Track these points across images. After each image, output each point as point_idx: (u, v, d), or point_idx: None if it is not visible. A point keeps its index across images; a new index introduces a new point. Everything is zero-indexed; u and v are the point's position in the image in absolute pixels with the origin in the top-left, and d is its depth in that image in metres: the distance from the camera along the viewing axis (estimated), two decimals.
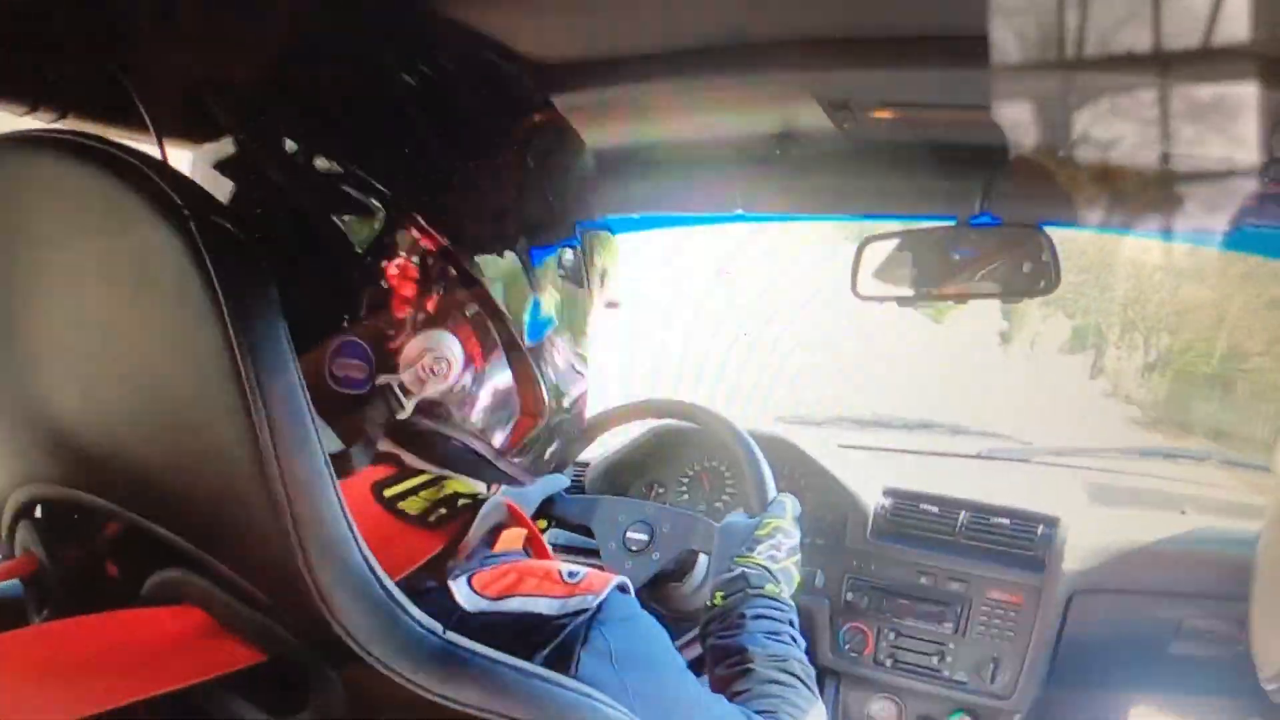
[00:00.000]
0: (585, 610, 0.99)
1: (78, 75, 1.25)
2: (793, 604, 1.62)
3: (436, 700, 0.86)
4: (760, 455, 1.97)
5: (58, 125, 1.28)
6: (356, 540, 0.86)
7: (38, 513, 1.01)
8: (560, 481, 2.30)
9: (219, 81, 1.11)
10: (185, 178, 0.88)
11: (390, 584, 0.87)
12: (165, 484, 0.89)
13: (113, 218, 0.83)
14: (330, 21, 1.14)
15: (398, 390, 1.04)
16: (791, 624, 1.56)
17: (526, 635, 0.95)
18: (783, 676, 1.40)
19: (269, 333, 0.82)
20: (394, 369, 1.04)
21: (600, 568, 1.98)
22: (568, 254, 1.19)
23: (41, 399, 0.95)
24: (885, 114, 1.60)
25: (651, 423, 2.59)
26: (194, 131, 1.13)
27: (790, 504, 1.87)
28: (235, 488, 0.83)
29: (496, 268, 1.09)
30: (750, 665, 1.42)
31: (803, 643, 1.51)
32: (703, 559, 2.09)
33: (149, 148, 1.10)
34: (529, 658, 0.92)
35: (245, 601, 0.87)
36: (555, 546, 2.24)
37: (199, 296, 0.79)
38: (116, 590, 0.99)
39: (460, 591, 0.98)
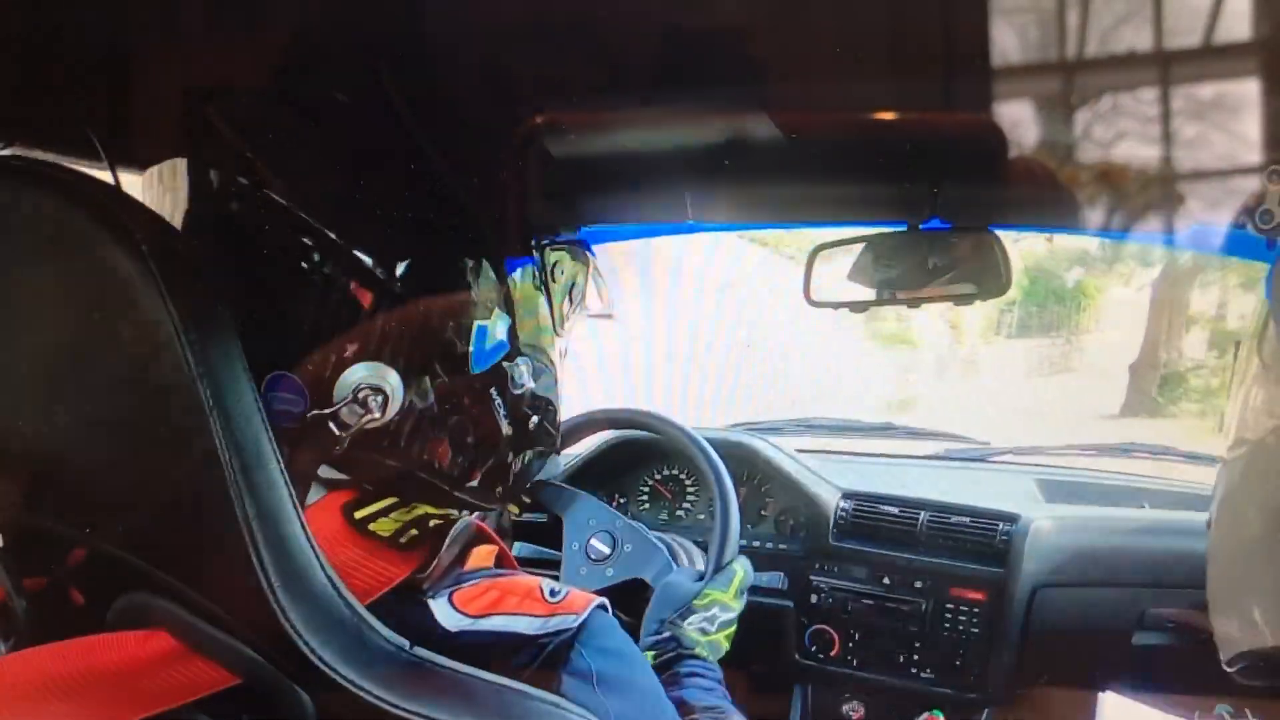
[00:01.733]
0: (566, 630, 1.00)
1: (26, 104, 1.25)
2: (719, 669, 1.67)
3: (406, 716, 0.86)
4: (735, 510, 1.97)
5: (6, 152, 1.27)
6: (319, 559, 0.86)
7: (0, 541, 1.01)
8: (554, 466, 2.30)
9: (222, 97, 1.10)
10: (138, 203, 0.89)
11: (355, 602, 0.88)
12: (127, 509, 0.89)
13: (67, 244, 0.83)
14: (301, 41, 1.14)
15: (331, 425, 0.99)
16: (721, 683, 1.61)
17: (508, 655, 0.97)
18: None
19: (225, 356, 0.83)
20: (326, 403, 1.00)
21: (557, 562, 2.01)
22: (529, 270, 1.18)
23: (1, 426, 0.94)
24: (833, 122, 1.61)
25: (609, 433, 2.59)
26: (142, 156, 1.12)
27: (741, 573, 1.87)
28: (197, 510, 0.84)
29: (441, 297, 1.06)
30: (692, 717, 1.44)
31: (730, 701, 1.56)
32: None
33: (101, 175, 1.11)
34: (511, 678, 0.92)
35: (212, 623, 0.87)
36: (519, 559, 2.24)
37: (154, 321, 0.80)
38: (82, 616, 0.98)
39: (440, 610, 0.98)
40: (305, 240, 0.99)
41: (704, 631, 1.72)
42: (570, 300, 1.26)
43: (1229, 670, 1.61)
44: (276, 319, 1.00)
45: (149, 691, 0.85)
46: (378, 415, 1.01)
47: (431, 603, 1.00)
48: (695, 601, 1.77)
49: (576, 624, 1.01)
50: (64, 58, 1.22)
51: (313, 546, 0.86)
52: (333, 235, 0.99)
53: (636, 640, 1.41)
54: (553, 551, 2.19)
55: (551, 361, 1.23)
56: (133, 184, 1.10)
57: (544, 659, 0.98)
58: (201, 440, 0.81)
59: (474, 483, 1.15)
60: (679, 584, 1.84)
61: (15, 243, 0.87)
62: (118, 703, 0.84)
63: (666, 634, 1.68)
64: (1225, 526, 1.52)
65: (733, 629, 1.80)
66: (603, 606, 1.07)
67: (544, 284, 1.21)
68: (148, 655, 0.87)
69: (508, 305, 1.13)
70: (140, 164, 1.11)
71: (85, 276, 0.84)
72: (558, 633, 1.00)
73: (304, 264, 0.99)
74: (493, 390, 1.12)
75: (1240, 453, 1.40)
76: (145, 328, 0.80)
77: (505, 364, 1.13)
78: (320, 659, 0.84)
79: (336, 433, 1.00)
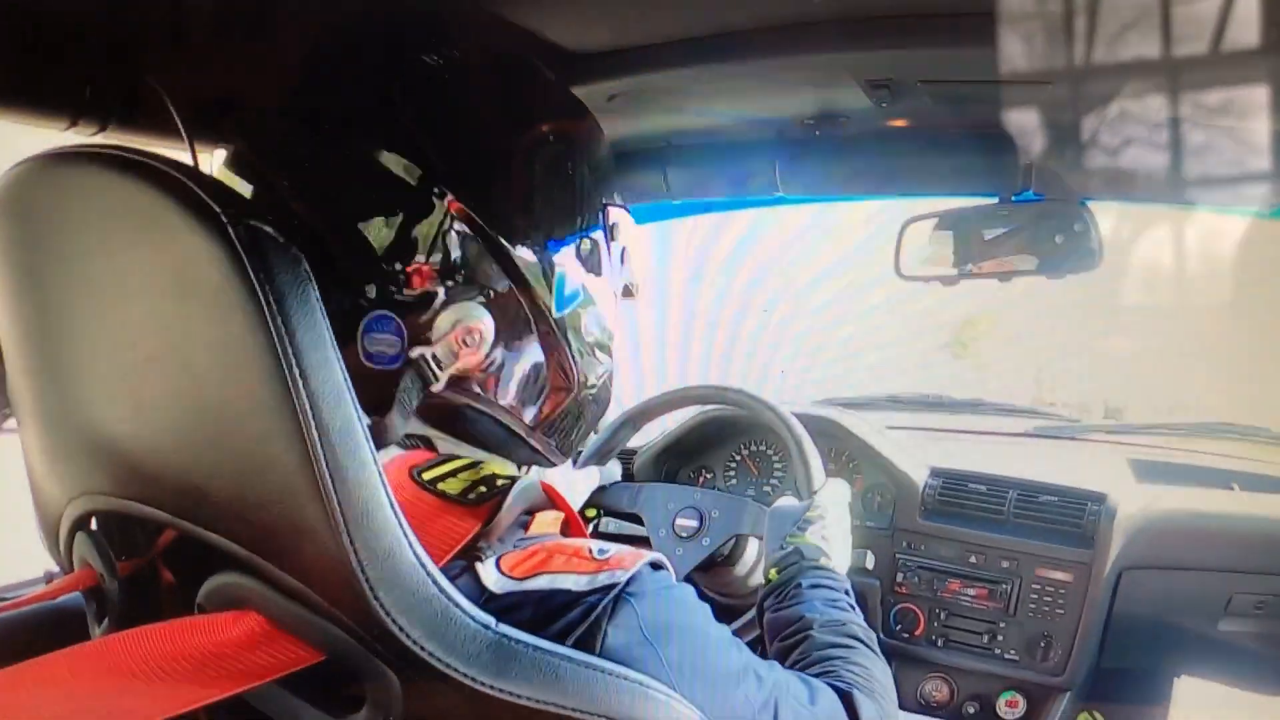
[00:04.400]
0: (614, 585, 0.98)
1: (114, 89, 1.27)
2: (847, 579, 1.63)
3: (491, 693, 0.87)
4: (807, 440, 1.97)
5: (97, 139, 1.30)
6: (408, 537, 0.87)
7: (93, 525, 1.03)
8: (612, 472, 2.31)
9: (235, 86, 1.13)
10: (221, 184, 0.92)
11: (442, 579, 0.89)
12: (217, 491, 0.90)
13: (154, 228, 0.86)
14: (364, 9, 1.16)
15: (431, 362, 1.05)
16: (848, 593, 1.56)
17: (552, 612, 0.95)
18: (842, 639, 1.39)
19: (313, 334, 0.84)
20: (426, 342, 1.05)
21: (648, 543, 1.99)
22: (587, 241, 1.20)
23: (92, 412, 0.97)
24: (924, 93, 1.60)
25: (696, 409, 2.59)
26: (224, 135, 1.14)
27: (842, 489, 1.87)
28: (286, 490, 0.85)
29: (524, 242, 1.11)
30: (809, 632, 1.42)
31: (860, 614, 1.51)
32: (753, 542, 2.10)
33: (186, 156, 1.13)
34: (555, 634, 0.93)
35: (300, 603, 0.89)
36: (606, 535, 2.25)
37: (242, 302, 0.81)
38: (173, 598, 1.03)
39: (488, 575, 0.98)
40: (396, 185, 1.05)
41: (825, 539, 1.71)
42: (622, 261, 1.28)
43: None
44: (367, 267, 1.05)
45: (239, 670, 0.87)
46: (474, 353, 1.07)
47: (480, 566, 0.99)
48: (809, 514, 1.76)
49: (625, 577, 0.98)
50: (152, 44, 1.25)
51: (401, 524, 0.87)
52: (423, 180, 1.05)
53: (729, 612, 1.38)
54: (638, 527, 2.19)
55: (608, 318, 1.26)
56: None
57: (589, 615, 0.95)
58: (289, 419, 0.82)
59: (545, 431, 1.21)
60: (786, 506, 1.84)
61: (106, 229, 0.91)
62: (209, 681, 0.85)
63: (790, 548, 1.67)
64: None
65: (850, 539, 1.79)
66: (655, 563, 1.05)
67: (606, 242, 1.23)
68: (238, 635, 0.89)
69: (584, 259, 1.18)
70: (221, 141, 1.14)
71: (173, 260, 0.86)
72: (605, 588, 0.97)
73: (396, 209, 1.05)
74: (569, 335, 1.17)
75: None
76: (235, 310, 0.82)
77: (580, 310, 1.18)
78: (407, 636, 0.86)
79: (435, 372, 1.05)
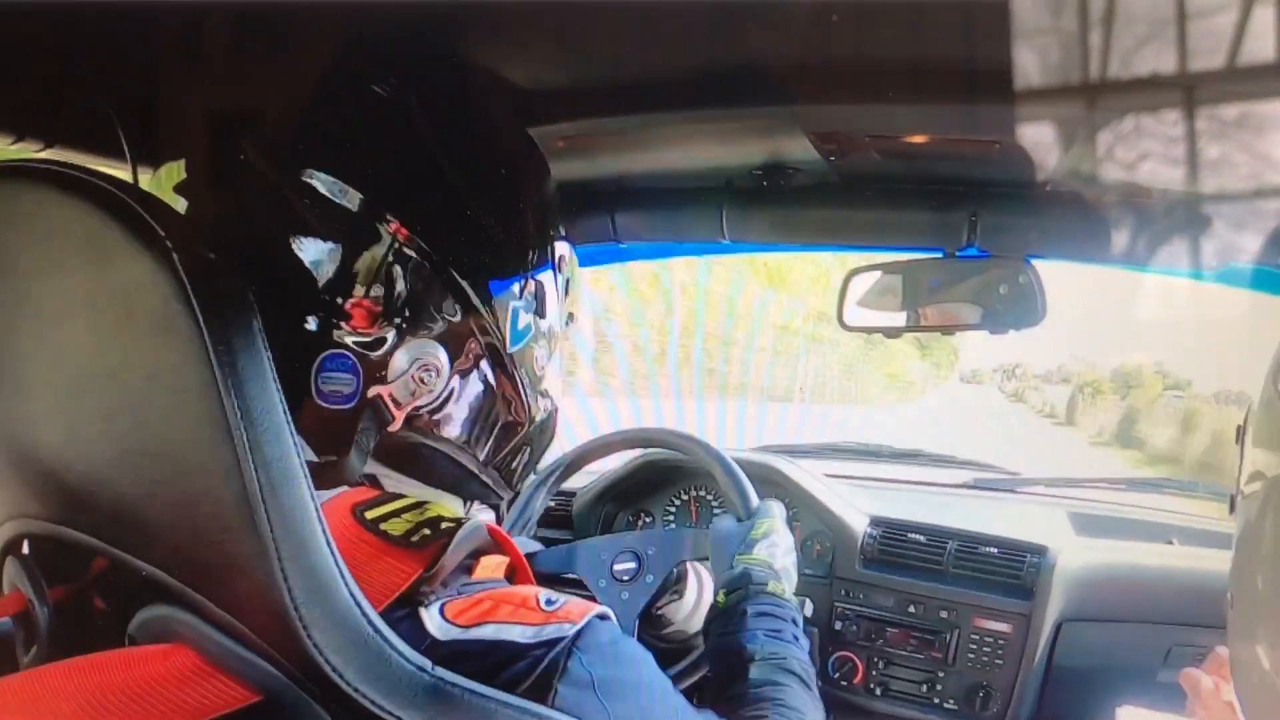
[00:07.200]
0: (562, 639, 0.97)
1: (63, 107, 1.26)
2: (795, 602, 1.62)
3: None
4: (737, 467, 1.96)
5: (42, 155, 1.28)
6: (343, 576, 0.85)
7: (25, 549, 1.00)
8: (531, 544, 2.29)
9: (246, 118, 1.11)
10: (168, 208, 0.89)
11: (378, 620, 0.87)
12: (151, 520, 0.88)
13: (95, 249, 0.83)
14: (325, 44, 1.15)
15: (388, 402, 1.04)
16: (794, 622, 1.55)
17: (500, 665, 0.94)
18: (779, 676, 1.39)
19: (253, 365, 0.82)
20: (382, 380, 1.04)
21: (591, 597, 1.97)
22: (534, 280, 1.19)
23: (27, 433, 0.94)
24: (872, 147, 1.60)
25: (637, 452, 2.59)
26: (167, 158, 1.12)
27: (778, 508, 1.86)
28: (220, 524, 0.83)
29: (475, 274, 1.09)
30: (748, 664, 1.41)
31: (805, 642, 1.51)
32: (693, 583, 2.09)
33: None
34: (501, 686, 0.92)
35: (234, 639, 0.86)
36: (542, 575, 2.23)
37: (182, 329, 0.79)
38: (104, 626, 0.99)
39: (432, 620, 0.96)
40: (351, 221, 1.02)
41: (773, 557, 1.70)
42: (566, 292, 1.27)
43: None
44: (320, 304, 1.02)
45: (169, 708, 0.84)
46: (431, 391, 1.06)
47: (423, 611, 0.97)
48: (752, 533, 1.76)
49: (573, 631, 0.97)
50: (99, 66, 1.23)
51: (337, 563, 0.86)
52: (379, 217, 1.03)
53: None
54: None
55: (555, 355, 1.26)
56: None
57: (538, 671, 0.94)
58: (226, 451, 0.80)
59: (497, 465, 1.19)
60: (728, 526, 1.83)
61: (48, 248, 0.88)
62: (137, 718, 0.83)
63: (739, 569, 1.65)
64: (1244, 575, 1.48)
65: (794, 556, 1.77)
66: (602, 615, 1.03)
67: (555, 275, 1.23)
68: (168, 671, 0.86)
69: (534, 293, 1.17)
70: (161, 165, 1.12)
71: (115, 283, 0.84)
72: (553, 641, 0.96)
73: (350, 245, 1.02)
74: (522, 371, 1.16)
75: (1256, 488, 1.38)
76: (175, 338, 0.80)
77: (532, 345, 1.17)
78: (341, 678, 0.84)
79: (392, 411, 1.04)
